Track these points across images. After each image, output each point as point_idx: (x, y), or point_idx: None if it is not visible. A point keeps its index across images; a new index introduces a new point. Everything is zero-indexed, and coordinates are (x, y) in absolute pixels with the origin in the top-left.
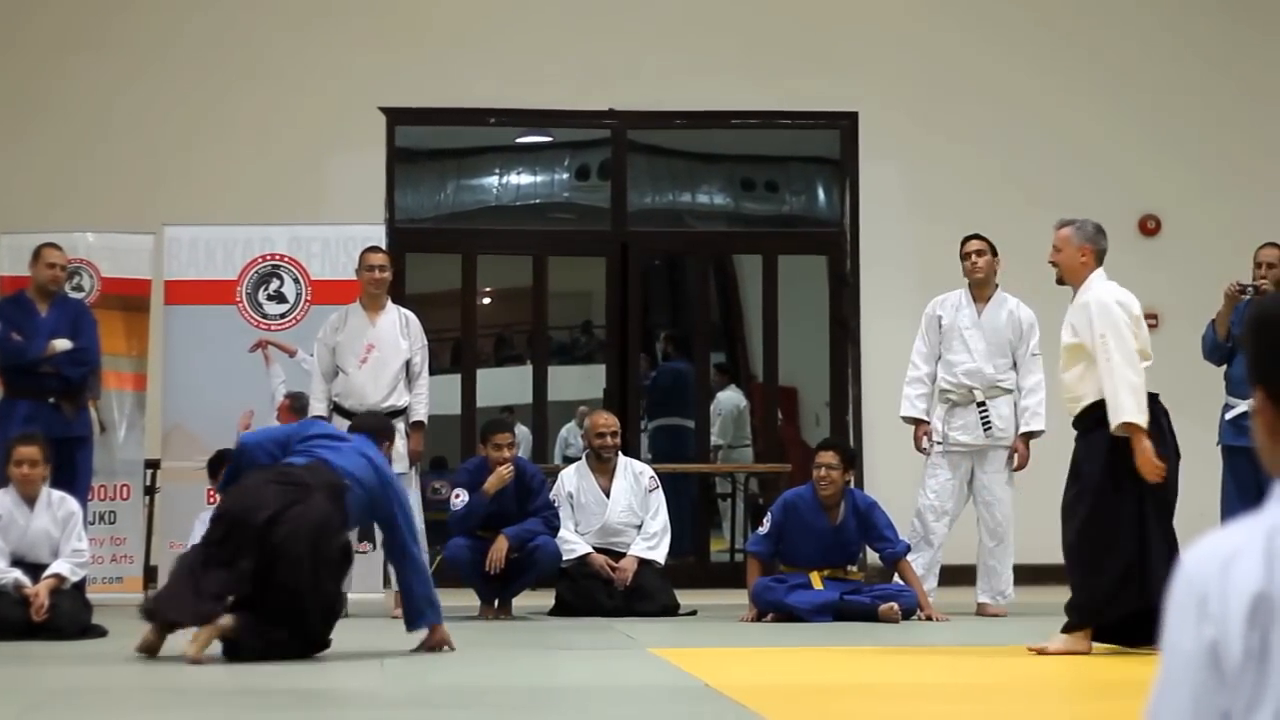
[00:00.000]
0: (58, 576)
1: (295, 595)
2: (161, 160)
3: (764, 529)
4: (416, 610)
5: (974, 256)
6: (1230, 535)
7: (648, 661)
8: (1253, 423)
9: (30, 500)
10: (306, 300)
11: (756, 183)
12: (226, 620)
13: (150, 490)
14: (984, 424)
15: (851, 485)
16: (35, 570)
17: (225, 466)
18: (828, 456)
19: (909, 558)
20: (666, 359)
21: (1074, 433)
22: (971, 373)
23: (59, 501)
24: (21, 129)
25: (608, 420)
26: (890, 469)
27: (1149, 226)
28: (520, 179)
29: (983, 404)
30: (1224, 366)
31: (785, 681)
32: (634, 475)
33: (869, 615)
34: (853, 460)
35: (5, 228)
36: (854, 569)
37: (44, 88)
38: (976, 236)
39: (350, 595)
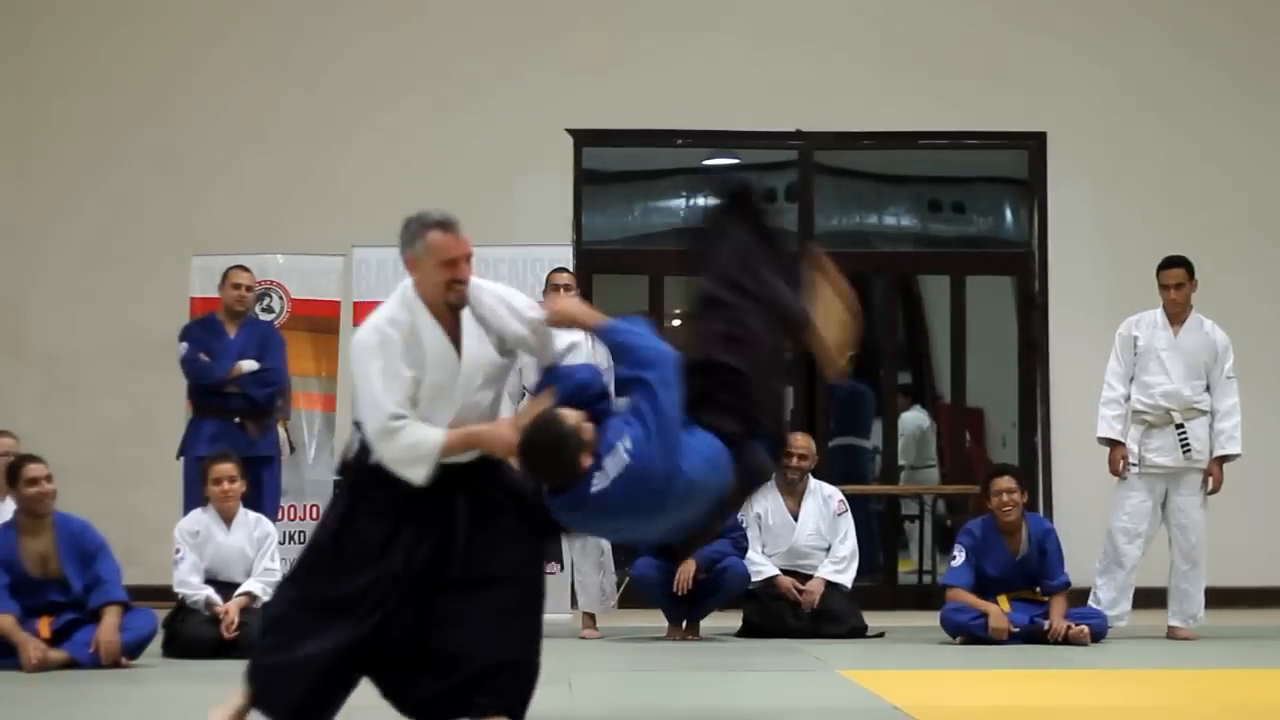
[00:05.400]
0: (249, 595)
1: None
2: (351, 183)
3: (958, 560)
4: None
5: (1172, 291)
6: None
7: (837, 684)
8: None
9: (228, 519)
10: None
11: (943, 204)
12: None
13: None
14: (1183, 446)
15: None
16: (227, 589)
17: None
18: (1006, 482)
19: (1076, 583)
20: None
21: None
22: (1169, 394)
23: (255, 522)
24: (218, 155)
25: (798, 442)
26: (1078, 490)
27: None
28: (707, 201)
29: (1181, 425)
30: None
31: (973, 704)
32: (823, 499)
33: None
34: (1024, 483)
35: (198, 250)
36: (1039, 590)
37: (240, 115)
38: (1175, 264)
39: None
